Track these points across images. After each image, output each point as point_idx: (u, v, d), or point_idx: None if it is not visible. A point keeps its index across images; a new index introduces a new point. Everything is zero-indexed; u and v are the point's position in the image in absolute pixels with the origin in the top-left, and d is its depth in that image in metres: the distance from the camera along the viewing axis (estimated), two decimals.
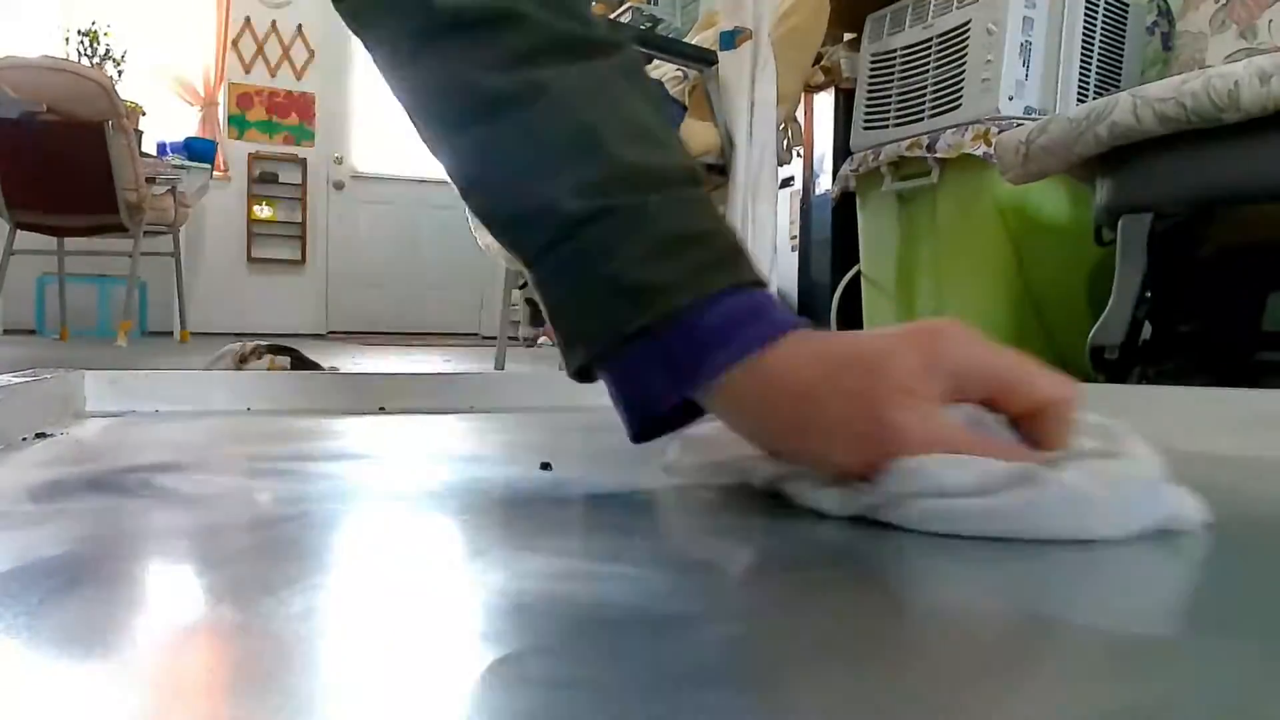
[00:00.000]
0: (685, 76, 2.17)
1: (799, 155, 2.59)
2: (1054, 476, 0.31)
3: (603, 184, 0.37)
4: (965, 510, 0.31)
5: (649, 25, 4.60)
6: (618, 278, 0.36)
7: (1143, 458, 0.34)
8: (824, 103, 2.58)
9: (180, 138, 5.36)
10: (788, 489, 0.37)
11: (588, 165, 0.38)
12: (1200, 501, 0.33)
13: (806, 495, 0.36)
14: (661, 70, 2.24)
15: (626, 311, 0.36)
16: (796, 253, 2.69)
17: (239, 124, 5.77)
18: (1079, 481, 0.31)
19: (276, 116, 5.83)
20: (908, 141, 2.06)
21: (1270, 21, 1.88)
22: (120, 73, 4.85)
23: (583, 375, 0.41)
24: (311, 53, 5.80)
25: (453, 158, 0.42)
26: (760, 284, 0.37)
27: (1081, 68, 1.97)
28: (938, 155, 1.97)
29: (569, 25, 0.40)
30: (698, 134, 1.99)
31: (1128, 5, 2.04)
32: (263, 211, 5.82)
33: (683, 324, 0.36)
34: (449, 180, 0.43)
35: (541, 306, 0.40)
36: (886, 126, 2.16)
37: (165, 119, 5.35)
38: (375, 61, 0.45)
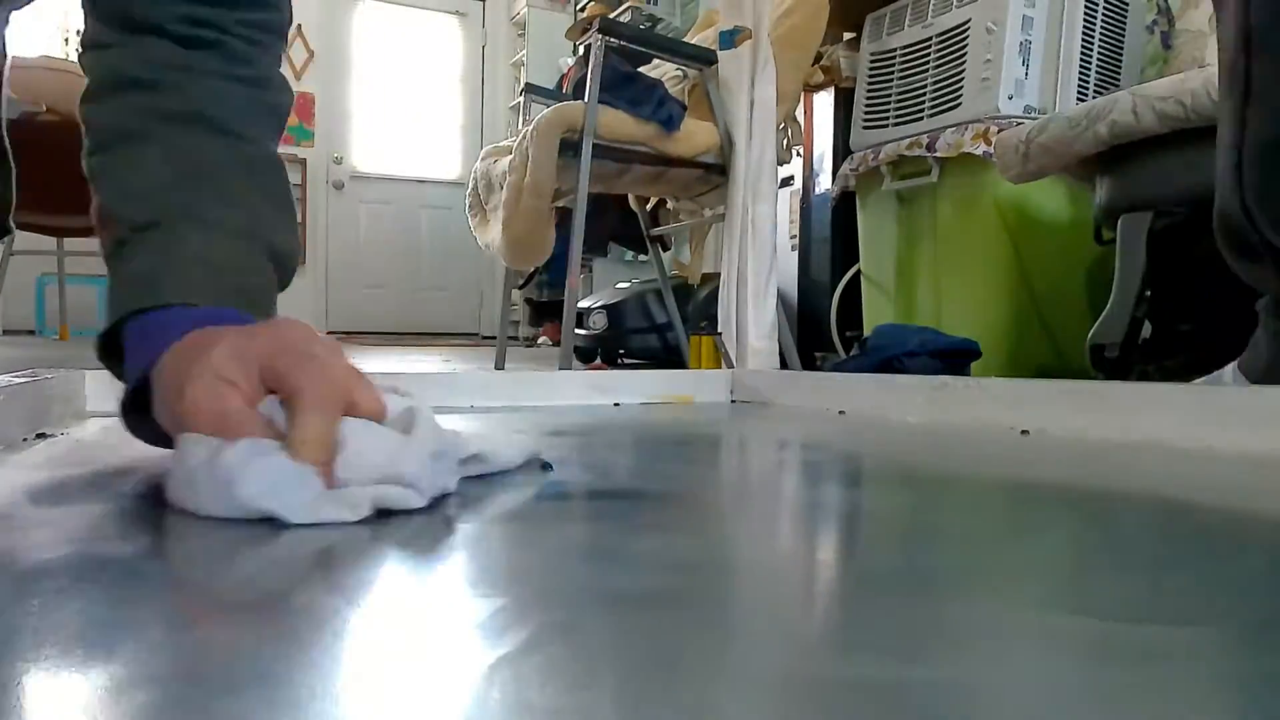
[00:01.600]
0: (685, 76, 2.17)
1: (799, 154, 2.58)
2: (221, 460, 0.35)
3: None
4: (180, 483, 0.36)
5: (648, 24, 4.61)
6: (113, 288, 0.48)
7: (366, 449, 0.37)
8: (823, 102, 2.58)
9: None
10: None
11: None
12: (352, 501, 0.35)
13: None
14: (661, 70, 2.23)
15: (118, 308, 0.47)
16: (796, 252, 2.69)
17: None
18: (226, 462, 0.34)
19: None
20: (907, 141, 2.06)
21: None
22: None
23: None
24: (311, 53, 5.79)
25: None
26: (191, 298, 0.46)
27: (1081, 67, 1.97)
28: (937, 154, 1.97)
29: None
30: (697, 133, 1.99)
31: (1127, 4, 2.04)
32: None
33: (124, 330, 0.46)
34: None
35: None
36: (886, 126, 2.16)
37: None
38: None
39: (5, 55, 0.72)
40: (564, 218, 1.97)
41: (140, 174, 0.52)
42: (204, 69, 0.54)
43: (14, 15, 0.69)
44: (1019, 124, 1.65)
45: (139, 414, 0.44)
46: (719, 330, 2.01)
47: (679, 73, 2.19)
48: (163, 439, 0.42)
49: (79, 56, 0.57)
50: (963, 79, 1.97)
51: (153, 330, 0.44)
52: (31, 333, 4.61)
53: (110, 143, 0.53)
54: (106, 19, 0.55)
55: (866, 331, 2.12)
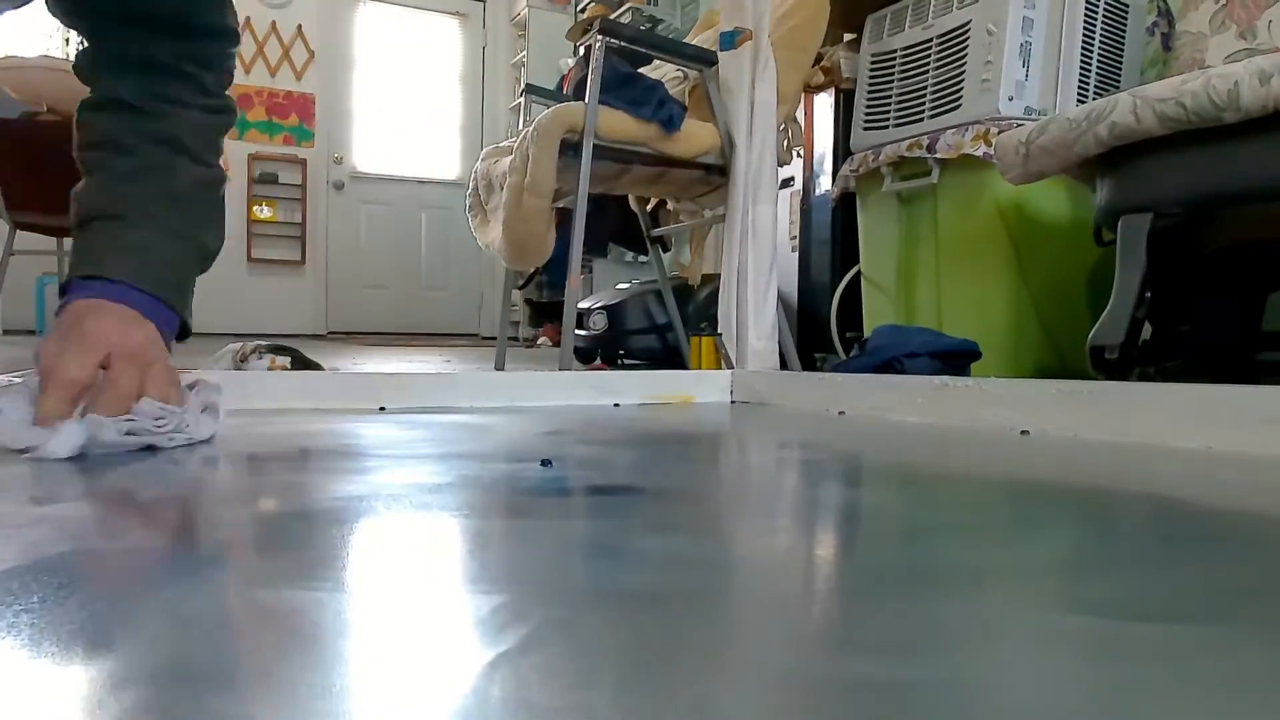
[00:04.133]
0: (685, 77, 2.17)
1: (799, 155, 2.58)
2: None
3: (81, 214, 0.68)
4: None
5: (649, 25, 4.60)
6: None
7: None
8: (824, 103, 2.58)
9: None
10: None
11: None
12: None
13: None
14: (662, 71, 2.23)
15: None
16: (796, 253, 2.69)
17: (239, 124, 5.77)
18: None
19: (276, 117, 5.83)
20: (908, 142, 2.06)
21: (1270, 22, 1.89)
22: None
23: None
24: (311, 53, 5.79)
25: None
26: (101, 274, 0.63)
27: (1081, 68, 1.97)
28: (938, 155, 1.97)
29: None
30: (698, 134, 1.99)
31: (1128, 6, 2.04)
32: (263, 212, 5.81)
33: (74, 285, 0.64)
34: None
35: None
36: (886, 127, 2.16)
37: None
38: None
39: None
40: (564, 218, 1.97)
41: (117, 176, 0.68)
42: (182, 100, 0.71)
43: (12, 14, 0.73)
44: (1019, 125, 1.65)
45: None
46: (719, 331, 2.01)
47: (679, 73, 2.19)
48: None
49: (76, 70, 0.71)
50: (963, 80, 1.97)
51: (84, 290, 0.63)
52: (31, 333, 4.61)
53: (102, 145, 0.69)
54: (108, 54, 0.69)
55: (866, 332, 2.12)
